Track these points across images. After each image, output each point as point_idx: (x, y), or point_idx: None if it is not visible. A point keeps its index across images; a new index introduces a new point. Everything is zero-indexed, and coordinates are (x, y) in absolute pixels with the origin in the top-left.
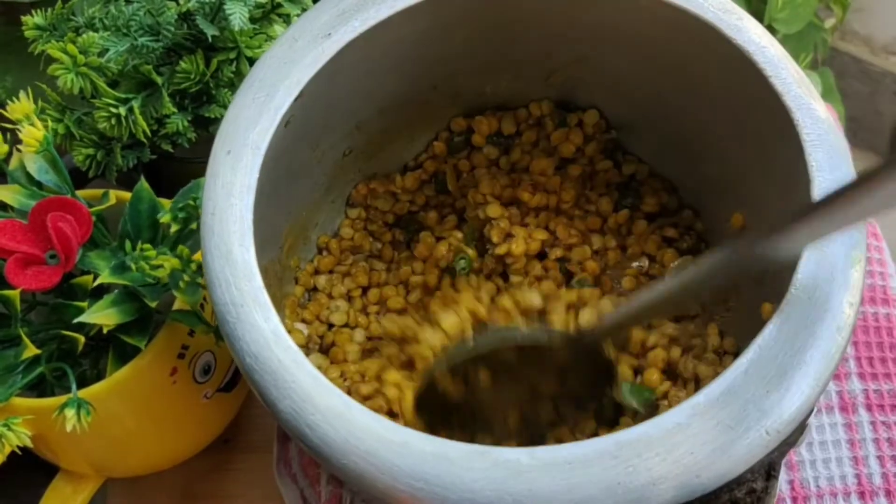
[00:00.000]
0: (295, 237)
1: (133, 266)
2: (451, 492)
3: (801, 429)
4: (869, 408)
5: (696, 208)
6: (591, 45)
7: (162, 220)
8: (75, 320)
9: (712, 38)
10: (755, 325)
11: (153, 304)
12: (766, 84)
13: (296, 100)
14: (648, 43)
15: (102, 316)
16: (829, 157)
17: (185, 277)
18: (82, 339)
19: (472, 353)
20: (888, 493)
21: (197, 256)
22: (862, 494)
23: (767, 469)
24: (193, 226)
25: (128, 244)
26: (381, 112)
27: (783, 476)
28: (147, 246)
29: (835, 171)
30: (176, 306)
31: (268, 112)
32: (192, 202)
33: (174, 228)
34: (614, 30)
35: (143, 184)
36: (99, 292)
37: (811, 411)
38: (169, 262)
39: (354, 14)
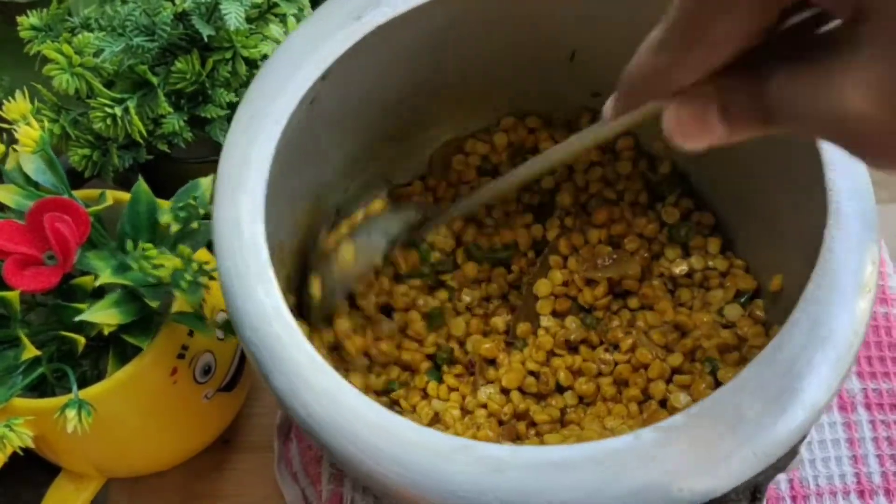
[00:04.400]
0: (313, 217)
1: (135, 266)
2: (433, 482)
3: (791, 454)
4: (868, 407)
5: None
6: (623, 48)
7: (162, 222)
8: (77, 318)
9: None
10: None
11: (154, 305)
12: None
13: (322, 79)
14: None
15: (104, 315)
16: (848, 174)
17: (187, 277)
18: (82, 340)
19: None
20: (887, 492)
21: (198, 256)
22: (861, 493)
23: (753, 490)
24: (195, 225)
25: (129, 244)
26: (408, 99)
27: (783, 475)
28: (148, 245)
29: (855, 197)
30: (176, 308)
31: (291, 87)
32: (192, 201)
33: (175, 228)
34: (641, 30)
35: (142, 184)
36: (99, 293)
37: (804, 438)
38: (170, 262)
39: None
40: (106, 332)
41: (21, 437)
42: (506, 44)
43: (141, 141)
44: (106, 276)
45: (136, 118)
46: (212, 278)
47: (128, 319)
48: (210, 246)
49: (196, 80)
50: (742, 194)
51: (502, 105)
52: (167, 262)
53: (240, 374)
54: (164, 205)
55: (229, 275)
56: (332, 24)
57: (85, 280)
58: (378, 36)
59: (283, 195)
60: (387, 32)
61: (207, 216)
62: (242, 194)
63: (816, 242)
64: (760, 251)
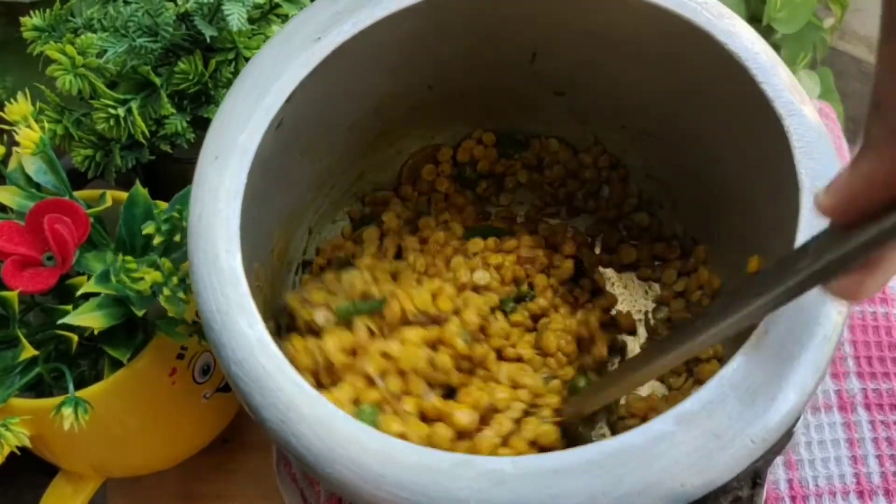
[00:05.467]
0: (286, 240)
1: (114, 279)
2: (435, 501)
3: (787, 437)
4: (868, 407)
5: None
6: (582, 49)
7: (145, 231)
8: (59, 321)
9: (705, 43)
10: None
11: (140, 313)
12: (758, 90)
13: (287, 101)
14: (640, 46)
15: (87, 318)
16: (819, 164)
17: (166, 291)
18: (75, 338)
19: None
20: (887, 493)
21: (186, 266)
22: (861, 493)
23: (753, 477)
24: (177, 238)
25: (109, 255)
26: (375, 113)
27: (782, 475)
28: (129, 258)
29: (824, 179)
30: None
31: (258, 114)
32: (176, 214)
33: (157, 240)
34: (606, 33)
35: (139, 188)
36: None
37: (797, 419)
38: (150, 275)
39: (347, 16)
40: (96, 332)
41: (18, 436)
42: (467, 51)
43: (144, 141)
44: (89, 286)
45: (138, 119)
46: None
47: (112, 323)
48: None
49: (199, 80)
50: (712, 179)
51: (470, 113)
52: (147, 276)
53: None
54: (163, 207)
55: (210, 310)
56: (293, 46)
57: (80, 281)
58: (340, 55)
59: (255, 221)
60: (348, 51)
61: None
62: (217, 229)
63: (793, 223)
64: (734, 233)
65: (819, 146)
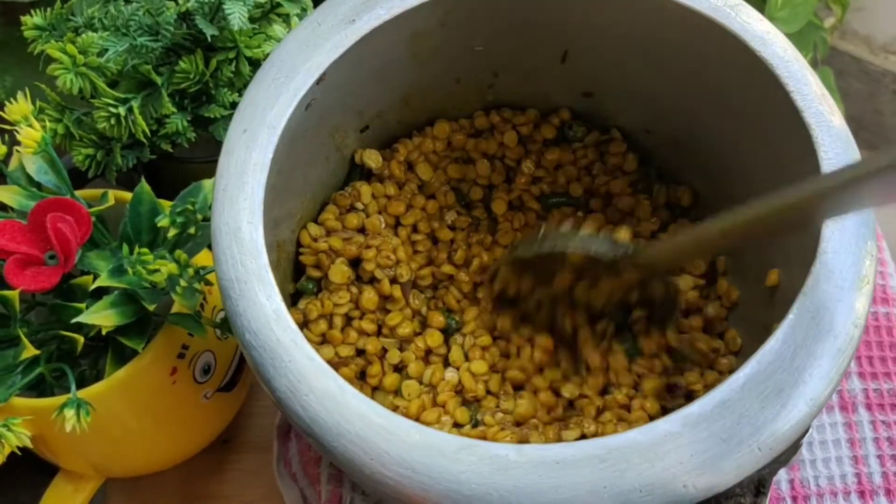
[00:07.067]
0: (312, 212)
1: (130, 270)
2: (437, 482)
3: (794, 448)
4: (869, 407)
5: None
6: (612, 50)
7: (160, 224)
8: (74, 320)
9: (736, 49)
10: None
11: (151, 308)
12: (788, 99)
13: (317, 83)
14: (670, 48)
15: (101, 317)
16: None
17: (182, 282)
18: (81, 339)
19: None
20: (888, 492)
21: (195, 260)
22: (862, 493)
23: (757, 485)
24: (192, 230)
25: (125, 248)
26: (403, 101)
27: (783, 475)
28: (144, 250)
29: None
30: (175, 309)
31: (286, 93)
32: (190, 206)
33: (172, 233)
34: (637, 34)
35: (144, 185)
36: (99, 293)
37: (806, 431)
38: (166, 267)
39: (380, 2)
40: (104, 332)
41: (19, 436)
42: (498, 44)
43: (144, 141)
44: (103, 279)
45: (139, 118)
46: (208, 283)
47: (125, 321)
48: (211, 249)
49: (199, 79)
50: (736, 187)
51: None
52: (163, 268)
53: (239, 373)
54: (166, 205)
55: (229, 279)
56: (325, 28)
57: (85, 280)
58: (372, 39)
59: (282, 196)
60: (381, 35)
61: (207, 220)
62: (241, 201)
63: (813, 236)
64: (755, 245)
65: (846, 158)
